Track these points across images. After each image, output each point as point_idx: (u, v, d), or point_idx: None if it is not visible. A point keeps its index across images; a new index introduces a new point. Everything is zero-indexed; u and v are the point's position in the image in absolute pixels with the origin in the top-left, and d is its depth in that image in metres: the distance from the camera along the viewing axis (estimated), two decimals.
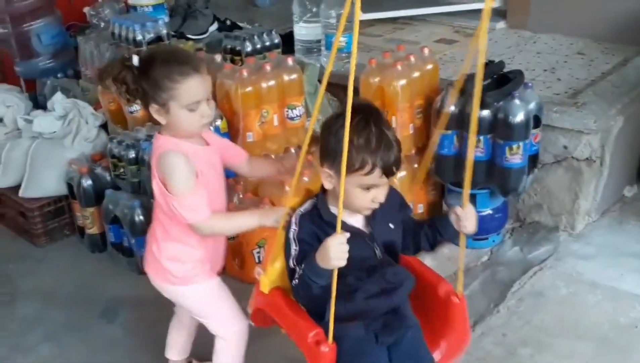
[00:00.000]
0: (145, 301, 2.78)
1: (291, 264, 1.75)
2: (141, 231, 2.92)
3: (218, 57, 3.21)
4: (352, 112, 1.58)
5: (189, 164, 1.86)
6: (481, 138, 2.74)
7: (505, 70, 2.94)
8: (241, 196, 2.93)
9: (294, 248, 1.74)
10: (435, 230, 1.87)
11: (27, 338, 2.60)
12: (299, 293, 1.75)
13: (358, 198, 1.69)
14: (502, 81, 2.87)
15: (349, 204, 1.69)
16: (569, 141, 2.92)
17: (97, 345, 2.57)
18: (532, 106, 2.75)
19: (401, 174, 3.05)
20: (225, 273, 2.91)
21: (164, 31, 3.34)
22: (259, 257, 2.83)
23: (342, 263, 1.58)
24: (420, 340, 1.82)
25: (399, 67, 2.90)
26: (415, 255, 1.97)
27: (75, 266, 3.10)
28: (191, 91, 1.85)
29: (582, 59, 3.67)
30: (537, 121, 2.79)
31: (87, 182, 3.05)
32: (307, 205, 1.81)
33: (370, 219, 1.78)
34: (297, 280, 1.72)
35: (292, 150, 3.11)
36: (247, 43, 3.34)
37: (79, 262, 3.12)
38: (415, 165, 3.07)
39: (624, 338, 2.34)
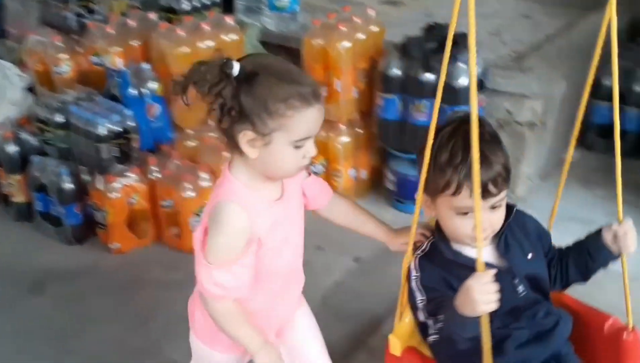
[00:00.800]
0: (75, 273, 2.67)
1: (421, 317, 1.47)
2: (70, 199, 2.77)
3: (153, 16, 3.05)
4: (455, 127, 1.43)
5: (243, 232, 1.40)
6: (426, 102, 2.69)
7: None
8: (178, 162, 2.81)
9: (420, 298, 1.47)
10: (584, 255, 1.60)
11: None
12: (440, 351, 1.49)
13: (458, 226, 1.44)
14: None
15: (453, 235, 1.47)
16: (512, 106, 2.89)
17: (24, 321, 2.43)
18: (477, 69, 2.70)
19: (345, 139, 2.99)
20: (162, 242, 2.84)
21: None
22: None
23: (493, 306, 1.26)
24: None
25: (343, 28, 2.80)
26: (564, 289, 1.66)
27: (0, 237, 2.93)
28: (308, 125, 1.38)
29: (527, 22, 3.64)
30: (481, 85, 2.75)
31: (11, 148, 2.87)
32: (425, 246, 1.53)
33: (503, 250, 1.50)
34: (436, 336, 1.44)
35: None
36: (184, 1, 3.18)
37: (3, 233, 2.95)
38: (358, 129, 3.00)
39: None
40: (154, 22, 3.01)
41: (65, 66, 3.06)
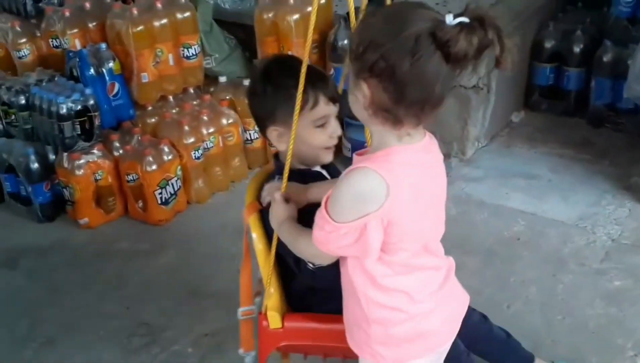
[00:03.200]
0: (46, 249, 2.78)
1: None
2: (37, 178, 2.87)
3: None
4: (267, 65, 1.57)
5: None
6: None
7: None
8: (139, 138, 2.92)
9: None
10: None
11: None
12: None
13: (314, 138, 1.54)
14: None
15: (310, 149, 1.55)
16: None
17: (1, 291, 2.55)
18: None
19: None
20: (129, 216, 2.95)
21: None
22: (161, 198, 2.84)
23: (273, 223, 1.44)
24: None
25: (292, 1, 2.92)
26: None
27: None
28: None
29: None
30: None
31: None
32: (274, 180, 1.59)
33: (334, 176, 1.61)
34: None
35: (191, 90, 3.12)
36: None
37: None
38: None
39: (507, 250, 2.52)
40: (108, 3, 3.08)
41: (25, 50, 3.13)
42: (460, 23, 1.14)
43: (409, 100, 1.17)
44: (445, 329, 1.40)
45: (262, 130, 1.61)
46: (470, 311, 1.58)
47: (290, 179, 1.46)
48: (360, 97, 1.21)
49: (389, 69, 1.15)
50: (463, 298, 1.46)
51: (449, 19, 1.15)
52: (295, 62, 1.49)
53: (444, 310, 1.37)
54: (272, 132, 1.56)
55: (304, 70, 1.35)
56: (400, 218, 1.23)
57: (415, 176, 1.24)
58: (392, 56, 1.15)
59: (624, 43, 3.10)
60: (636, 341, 2.10)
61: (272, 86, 1.54)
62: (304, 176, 1.56)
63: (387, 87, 1.17)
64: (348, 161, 1.30)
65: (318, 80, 1.52)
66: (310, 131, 1.54)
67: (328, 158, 1.60)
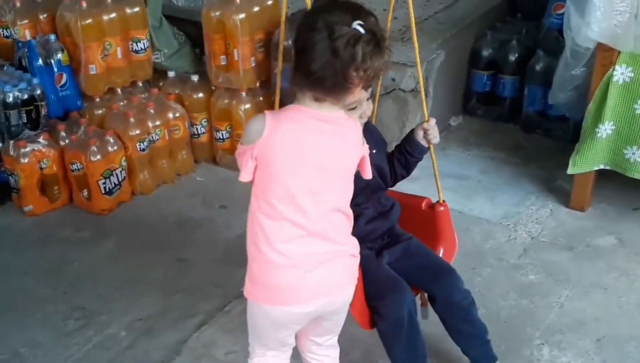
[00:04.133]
0: None
1: None
2: None
3: None
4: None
5: None
6: None
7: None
8: (85, 128, 2.99)
9: None
10: (403, 151, 2.01)
11: None
12: None
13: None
14: None
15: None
16: (396, 74, 3.18)
17: None
18: None
19: (246, 106, 3.20)
20: (73, 205, 3.01)
21: None
22: (105, 188, 2.91)
23: None
24: (425, 247, 2.00)
25: (238, 1, 3.01)
26: (394, 184, 2.08)
27: None
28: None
29: (421, 0, 3.93)
30: None
31: None
32: None
33: None
34: None
35: None
36: None
37: None
38: (259, 97, 3.22)
39: None
40: None
41: None
42: (354, 29, 1.42)
43: (300, 69, 1.47)
44: (293, 293, 1.56)
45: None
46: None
47: None
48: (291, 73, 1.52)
49: (297, 43, 1.48)
50: (340, 286, 1.63)
51: (354, 24, 1.43)
52: None
53: (302, 275, 1.55)
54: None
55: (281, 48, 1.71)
56: (269, 158, 1.50)
57: (296, 132, 1.51)
58: (300, 33, 1.47)
59: (554, 53, 3.26)
60: (544, 330, 2.26)
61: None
62: None
63: (295, 56, 1.49)
64: None
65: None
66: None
67: None
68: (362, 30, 1.42)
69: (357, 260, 1.67)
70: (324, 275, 1.57)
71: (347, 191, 1.61)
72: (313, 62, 1.44)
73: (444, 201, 2.11)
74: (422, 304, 2.04)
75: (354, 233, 1.67)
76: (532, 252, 2.62)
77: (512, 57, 3.48)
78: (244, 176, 1.55)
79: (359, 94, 1.70)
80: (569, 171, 2.76)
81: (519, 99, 3.50)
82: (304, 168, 1.51)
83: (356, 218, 1.71)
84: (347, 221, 1.62)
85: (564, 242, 2.69)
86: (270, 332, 1.67)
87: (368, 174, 1.65)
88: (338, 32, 1.41)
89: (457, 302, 1.95)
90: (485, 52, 3.54)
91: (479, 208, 2.89)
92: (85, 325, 2.33)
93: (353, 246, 1.65)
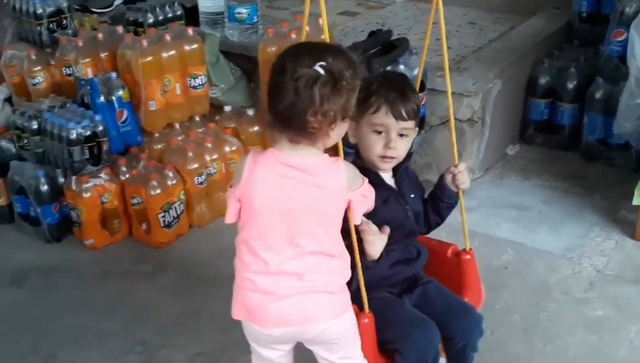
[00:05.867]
0: (52, 268, 2.89)
1: None
2: (46, 200, 2.99)
3: (120, 29, 3.28)
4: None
5: None
6: None
7: (392, 38, 3.14)
8: (146, 163, 3.04)
9: None
10: (435, 196, 1.94)
11: None
12: None
13: (373, 143, 1.76)
14: (390, 48, 3.07)
15: (367, 152, 1.79)
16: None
17: (5, 310, 2.65)
18: (416, 71, 2.95)
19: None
20: (133, 238, 3.06)
21: (65, 4, 3.37)
22: (164, 221, 2.95)
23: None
24: (444, 288, 1.90)
25: (294, 36, 3.05)
26: (428, 232, 2.00)
27: None
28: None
29: (473, 28, 3.92)
30: (422, 86, 3.00)
31: None
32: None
33: (399, 182, 1.86)
34: None
35: None
36: (149, 15, 3.42)
37: None
38: None
39: (494, 278, 2.59)
40: (120, 34, 3.23)
41: (40, 78, 3.29)
42: (314, 70, 1.44)
43: (270, 109, 1.50)
44: (258, 316, 1.61)
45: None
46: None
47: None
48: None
49: (268, 84, 1.52)
50: (309, 320, 1.61)
51: (315, 66, 1.45)
52: (398, 78, 1.89)
53: (264, 303, 1.59)
54: (351, 125, 1.69)
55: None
56: (247, 200, 1.54)
57: (267, 176, 1.53)
58: (271, 75, 1.51)
59: (615, 80, 3.20)
60: None
61: (363, 84, 1.68)
62: (363, 172, 1.70)
63: (267, 98, 1.52)
64: None
65: (396, 92, 1.75)
66: (368, 134, 1.77)
67: (382, 166, 1.81)
68: (321, 71, 1.44)
69: (339, 296, 1.63)
70: (287, 307, 1.59)
71: (331, 235, 1.58)
72: (280, 102, 1.47)
73: (470, 249, 2.02)
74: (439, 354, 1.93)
75: (375, 274, 1.71)
76: (598, 286, 2.54)
77: (571, 85, 3.42)
78: (228, 218, 1.60)
79: (385, 118, 1.72)
80: (635, 201, 2.68)
81: (579, 127, 3.43)
82: (274, 212, 1.53)
83: (380, 258, 1.70)
84: (330, 263, 1.60)
85: (632, 275, 2.59)
86: (259, 350, 1.72)
87: (356, 219, 1.60)
88: (298, 73, 1.44)
89: (473, 343, 1.87)
90: (543, 80, 3.49)
91: (541, 240, 2.82)
92: (147, 359, 2.35)
93: (331, 284, 1.61)
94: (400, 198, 1.85)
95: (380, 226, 1.71)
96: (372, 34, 3.14)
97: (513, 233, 2.87)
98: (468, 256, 2.00)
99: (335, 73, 1.45)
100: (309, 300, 1.59)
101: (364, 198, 1.62)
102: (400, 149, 1.79)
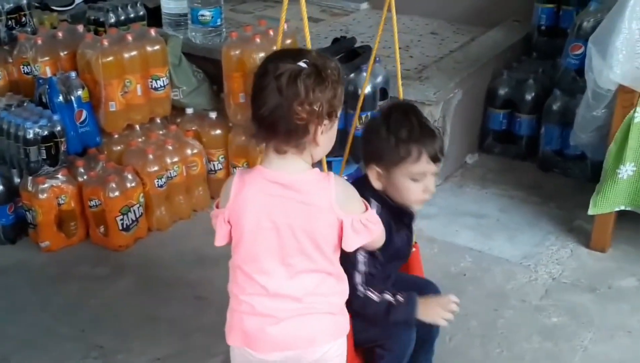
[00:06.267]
0: (7, 269, 2.83)
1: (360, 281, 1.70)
2: (1, 200, 2.92)
3: (80, 28, 3.23)
4: (390, 109, 1.76)
5: None
6: None
7: (356, 46, 3.16)
8: (104, 165, 2.99)
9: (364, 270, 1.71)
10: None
11: None
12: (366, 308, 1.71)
13: (411, 190, 1.73)
14: (353, 55, 3.09)
15: (402, 198, 1.75)
16: None
17: None
18: (379, 79, 2.98)
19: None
20: (90, 240, 3.00)
21: (24, 1, 3.30)
22: (122, 224, 2.91)
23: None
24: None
25: (258, 40, 3.05)
26: None
27: None
28: None
29: (435, 38, 3.97)
30: (384, 94, 3.03)
31: None
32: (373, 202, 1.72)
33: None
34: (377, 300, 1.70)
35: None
36: (111, 14, 3.38)
37: None
38: None
39: (453, 284, 2.61)
40: (80, 33, 3.18)
41: None
42: (296, 65, 1.41)
43: (255, 117, 1.45)
44: (255, 340, 1.56)
45: (366, 164, 1.79)
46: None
47: (387, 211, 1.72)
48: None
49: (251, 93, 1.47)
50: (309, 342, 1.56)
51: (297, 62, 1.43)
52: (415, 115, 1.75)
53: (263, 327, 1.54)
54: (373, 171, 1.74)
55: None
56: (236, 221, 1.50)
57: (255, 195, 1.48)
58: (253, 83, 1.47)
59: (572, 93, 3.28)
60: None
61: (387, 131, 1.71)
62: (400, 212, 1.76)
63: (251, 107, 1.47)
64: None
65: (427, 136, 1.71)
66: (406, 183, 1.72)
67: (418, 208, 1.81)
68: (304, 65, 1.41)
69: (339, 318, 1.60)
70: (287, 329, 1.54)
71: (324, 254, 1.52)
72: (263, 106, 1.42)
73: (415, 242, 2.06)
74: None
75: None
76: (554, 294, 2.59)
77: (529, 96, 3.49)
78: (218, 240, 1.56)
79: (424, 166, 1.70)
80: (590, 211, 2.74)
81: (536, 138, 3.50)
82: (264, 232, 1.49)
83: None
84: (329, 282, 1.56)
85: (586, 284, 2.66)
86: None
87: (346, 244, 1.52)
88: (280, 70, 1.40)
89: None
90: (502, 91, 3.55)
91: (498, 247, 2.87)
92: None
93: (331, 305, 1.57)
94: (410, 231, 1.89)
95: (391, 255, 1.75)
96: (335, 40, 3.16)
97: (471, 241, 2.91)
98: (413, 249, 2.04)
99: (319, 65, 1.42)
100: (311, 321, 1.54)
101: (364, 227, 1.53)
102: (433, 188, 1.78)
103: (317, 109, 1.42)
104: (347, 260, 1.62)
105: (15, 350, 2.36)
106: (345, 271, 1.62)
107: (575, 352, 2.32)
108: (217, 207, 1.57)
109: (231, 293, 1.59)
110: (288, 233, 1.48)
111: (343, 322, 1.61)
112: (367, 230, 1.53)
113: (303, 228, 1.48)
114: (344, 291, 1.60)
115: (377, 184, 1.75)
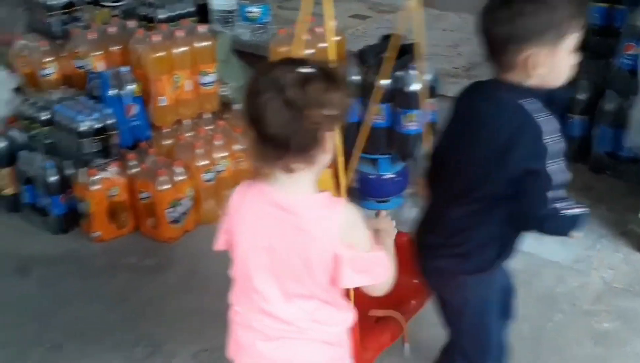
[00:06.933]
0: (59, 259, 2.89)
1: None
2: (54, 191, 2.99)
3: (132, 23, 3.28)
4: None
5: None
6: (382, 105, 2.93)
7: (404, 43, 3.13)
8: (155, 158, 3.03)
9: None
10: None
11: None
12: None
13: (570, 63, 1.57)
14: (402, 53, 3.06)
15: (561, 78, 1.58)
16: None
17: (10, 299, 2.64)
18: (428, 77, 2.95)
19: None
20: (140, 232, 3.05)
21: None
22: (171, 217, 2.95)
23: None
24: None
25: (306, 37, 3.04)
26: None
27: None
28: None
29: None
30: (432, 91, 3.00)
31: (0, 143, 3.08)
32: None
33: None
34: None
35: None
36: (161, 10, 3.42)
37: None
38: None
39: None
40: (132, 28, 3.23)
41: (50, 69, 3.28)
42: (300, 72, 1.29)
43: (260, 141, 1.31)
44: (246, 353, 1.50)
45: (518, 51, 1.51)
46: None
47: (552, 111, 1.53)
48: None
49: (247, 114, 1.31)
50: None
51: (298, 70, 1.30)
52: None
53: (253, 341, 1.47)
54: (535, 56, 1.50)
55: None
56: (233, 235, 1.45)
57: (254, 214, 1.40)
58: (248, 103, 1.31)
59: (625, 94, 3.20)
60: None
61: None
62: (551, 97, 1.57)
63: (250, 130, 1.32)
64: (351, 191, 1.42)
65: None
66: (566, 57, 1.54)
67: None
68: (309, 69, 1.29)
69: (336, 349, 1.49)
70: (278, 350, 1.45)
71: (317, 282, 1.40)
72: (271, 126, 1.27)
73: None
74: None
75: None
76: (606, 298, 2.54)
77: (582, 97, 3.42)
78: (217, 244, 1.53)
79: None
80: None
81: (588, 139, 3.42)
82: (258, 251, 1.40)
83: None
84: (327, 310, 1.44)
85: (639, 289, 2.60)
86: None
87: (340, 281, 1.38)
88: (284, 81, 1.27)
89: None
90: (580, 96, 3.46)
91: (549, 250, 2.81)
92: (153, 353, 2.35)
93: (329, 334, 1.47)
94: None
95: None
96: (385, 38, 3.13)
97: (522, 243, 2.86)
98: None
99: (324, 68, 1.32)
100: (303, 347, 1.45)
101: (366, 268, 1.39)
102: None
103: (333, 113, 1.30)
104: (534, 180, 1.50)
105: (67, 339, 2.42)
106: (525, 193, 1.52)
107: (627, 358, 2.27)
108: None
109: (230, 302, 1.53)
110: (282, 256, 1.38)
111: (341, 353, 1.51)
112: (370, 272, 1.40)
113: (297, 254, 1.37)
114: (347, 320, 1.49)
115: (537, 70, 1.52)
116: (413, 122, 2.90)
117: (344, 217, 1.36)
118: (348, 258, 1.35)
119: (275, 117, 1.27)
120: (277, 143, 1.29)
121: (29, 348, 2.38)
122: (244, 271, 1.44)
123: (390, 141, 3.01)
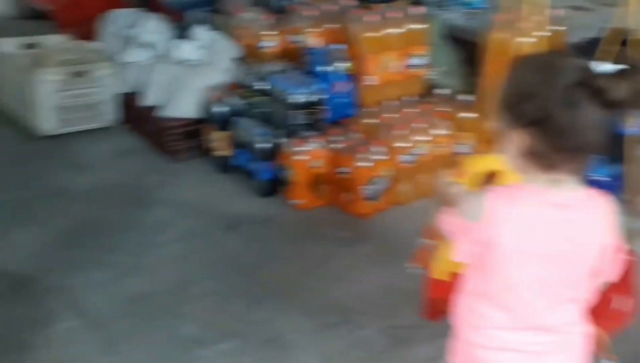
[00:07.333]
0: (262, 220, 3.09)
1: None
2: (264, 157, 3.19)
3: (349, 3, 3.38)
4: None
5: None
6: None
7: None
8: (357, 135, 3.12)
9: None
10: None
11: (160, 237, 2.95)
12: None
13: None
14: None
15: None
16: None
17: (219, 252, 2.88)
18: None
19: None
20: (337, 204, 3.17)
21: None
22: (368, 193, 3.03)
23: None
24: None
25: (524, 24, 2.96)
26: None
27: (203, 183, 3.41)
28: None
29: None
30: None
31: (220, 108, 3.34)
32: None
33: None
34: None
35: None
36: None
37: (205, 180, 3.43)
38: None
39: None
40: (348, 7, 3.33)
41: (269, 42, 3.49)
42: (616, 70, 1.17)
43: (564, 147, 1.20)
44: None
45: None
46: None
47: None
48: (513, 146, 1.23)
49: (544, 119, 1.18)
50: None
51: (602, 67, 1.19)
52: None
53: (514, 359, 1.33)
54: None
55: None
56: (495, 246, 1.26)
57: (529, 219, 1.25)
58: (547, 107, 1.18)
59: None
60: None
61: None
62: None
63: (542, 136, 1.20)
64: None
65: None
66: None
67: None
68: (617, 67, 1.17)
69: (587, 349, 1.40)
70: None
71: (586, 282, 1.33)
72: (578, 135, 1.18)
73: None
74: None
75: None
76: None
77: None
78: (460, 256, 1.33)
79: None
80: None
81: None
82: (531, 258, 1.27)
83: None
84: (581, 308, 1.36)
85: None
86: None
87: (603, 273, 1.32)
88: (596, 86, 1.15)
89: None
90: None
91: None
92: (343, 321, 2.45)
93: (586, 336, 1.38)
94: None
95: None
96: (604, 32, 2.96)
97: None
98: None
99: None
100: (565, 356, 1.36)
101: (617, 259, 1.34)
102: None
103: None
104: None
105: (266, 296, 2.59)
106: None
107: None
108: (457, 217, 1.33)
109: (466, 324, 1.38)
110: (562, 259, 1.28)
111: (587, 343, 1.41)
112: (617, 264, 1.34)
113: (579, 257, 1.29)
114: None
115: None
116: (632, 123, 2.72)
117: (610, 207, 1.31)
118: (615, 249, 1.32)
119: (588, 125, 1.18)
120: (575, 152, 1.22)
121: (231, 300, 2.57)
122: (506, 284, 1.30)
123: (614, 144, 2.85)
